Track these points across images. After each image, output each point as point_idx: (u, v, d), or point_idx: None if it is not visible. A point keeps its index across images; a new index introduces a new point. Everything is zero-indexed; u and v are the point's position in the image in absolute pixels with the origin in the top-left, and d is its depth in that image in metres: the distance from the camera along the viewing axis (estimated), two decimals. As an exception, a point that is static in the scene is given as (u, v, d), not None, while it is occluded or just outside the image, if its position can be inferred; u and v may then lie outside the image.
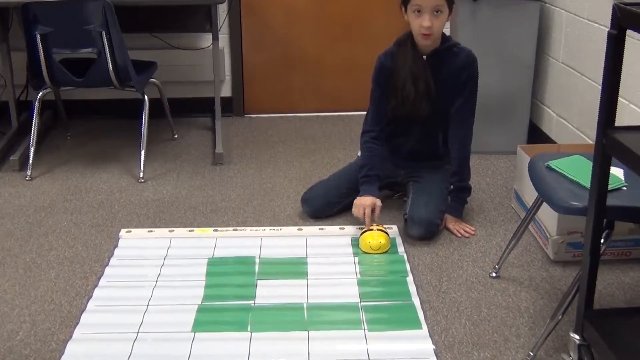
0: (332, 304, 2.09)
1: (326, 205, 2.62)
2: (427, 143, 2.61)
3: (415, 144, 2.61)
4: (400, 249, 2.42)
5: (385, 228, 2.40)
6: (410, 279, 2.23)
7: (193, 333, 1.95)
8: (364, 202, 2.44)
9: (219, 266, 2.30)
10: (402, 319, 2.02)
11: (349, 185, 2.63)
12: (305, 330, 1.96)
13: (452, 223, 2.54)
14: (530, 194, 2.45)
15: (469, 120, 2.52)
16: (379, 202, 2.44)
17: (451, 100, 2.49)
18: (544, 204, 2.02)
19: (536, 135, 3.27)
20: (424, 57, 2.43)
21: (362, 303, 2.09)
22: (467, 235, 2.50)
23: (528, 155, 2.50)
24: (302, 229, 2.54)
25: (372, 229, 2.37)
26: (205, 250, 2.40)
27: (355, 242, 2.43)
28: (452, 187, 2.57)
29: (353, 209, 2.46)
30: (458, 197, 2.57)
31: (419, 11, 2.33)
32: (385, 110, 2.50)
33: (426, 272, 2.29)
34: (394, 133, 2.59)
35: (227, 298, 2.12)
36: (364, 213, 2.42)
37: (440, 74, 2.45)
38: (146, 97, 3.08)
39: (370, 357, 1.84)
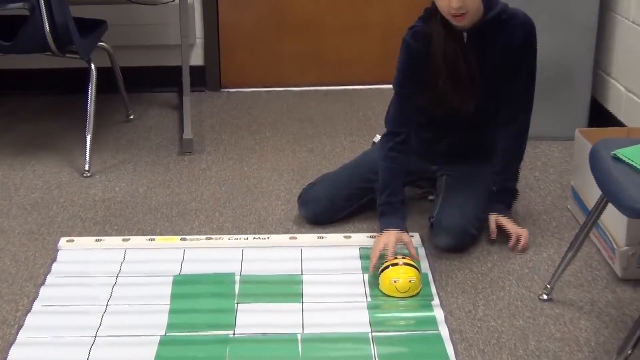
0: (334, 334, 2.08)
1: (331, 209, 2.63)
2: (473, 138, 2.56)
3: (457, 139, 2.57)
4: (424, 263, 2.41)
5: (414, 261, 2.28)
6: (436, 302, 2.23)
7: None
8: (385, 239, 2.29)
9: (187, 285, 2.30)
10: (425, 354, 2.02)
11: (362, 184, 2.62)
12: None
13: (509, 223, 2.50)
14: (591, 193, 2.45)
15: (526, 106, 2.46)
16: (406, 237, 2.31)
17: (504, 85, 2.43)
18: (610, 205, 2.01)
19: (599, 115, 3.27)
20: (465, 34, 2.34)
21: (374, 333, 2.09)
22: (519, 249, 2.47)
23: (589, 142, 2.49)
24: (295, 238, 2.55)
25: (396, 263, 2.24)
26: (169, 264, 2.40)
27: (365, 259, 2.42)
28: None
29: (373, 251, 2.31)
30: (500, 199, 2.55)
31: None
32: (416, 106, 2.42)
33: (457, 293, 2.29)
34: (426, 127, 2.53)
35: (198, 327, 2.11)
36: (381, 249, 2.28)
37: (488, 55, 2.37)
38: (93, 65, 3.08)
39: (384, 404, 1.85)
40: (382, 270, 2.25)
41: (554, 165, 3.08)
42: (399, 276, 2.21)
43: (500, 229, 2.52)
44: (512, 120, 2.48)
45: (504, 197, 2.56)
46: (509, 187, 2.56)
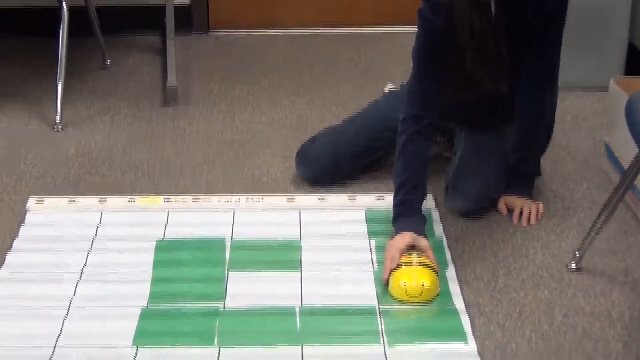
0: (337, 307, 2.09)
1: (333, 166, 2.63)
2: (500, 105, 2.47)
3: (481, 108, 2.49)
4: (438, 228, 2.42)
5: (432, 262, 2.17)
6: (451, 272, 2.24)
7: (135, 348, 1.95)
8: (396, 242, 2.18)
9: (172, 252, 2.31)
10: (438, 329, 2.03)
11: (369, 143, 2.62)
12: (298, 344, 1.96)
13: (518, 200, 2.47)
14: (627, 149, 2.44)
15: (553, 71, 2.39)
16: (423, 241, 2.19)
17: (528, 54, 2.33)
18: (649, 163, 2.00)
19: (637, 63, 3.25)
20: (492, 3, 2.23)
21: (382, 306, 2.10)
22: (524, 223, 2.44)
23: (625, 93, 2.48)
24: (293, 199, 2.56)
25: (410, 262, 2.14)
26: (152, 228, 2.41)
27: (372, 222, 2.42)
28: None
29: (385, 258, 2.19)
30: (517, 181, 2.51)
31: None
32: (441, 87, 2.30)
33: (475, 262, 2.29)
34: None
35: (184, 298, 2.12)
36: (393, 254, 2.16)
37: (518, 24, 2.28)
38: (65, 5, 3.06)
39: (392, 384, 1.86)
40: (392, 271, 2.14)
41: (585, 118, 3.07)
42: (410, 278, 2.11)
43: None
44: (534, 96, 2.42)
45: (522, 179, 2.51)
46: (527, 171, 2.51)
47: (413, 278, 2.10)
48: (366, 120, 2.66)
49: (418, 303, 2.10)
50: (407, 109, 2.32)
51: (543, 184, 2.63)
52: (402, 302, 2.11)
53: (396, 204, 2.28)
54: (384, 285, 2.16)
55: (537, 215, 2.46)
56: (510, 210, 2.48)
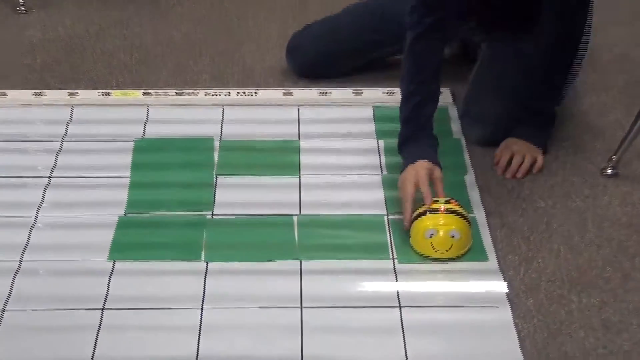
0: (340, 217, 2.09)
1: (326, 62, 2.60)
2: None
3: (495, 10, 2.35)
4: (456, 126, 2.40)
5: (461, 207, 1.99)
6: (470, 177, 2.22)
7: (111, 262, 1.95)
8: (412, 176, 2.01)
9: (152, 153, 2.30)
10: (456, 244, 2.02)
11: (368, 35, 2.55)
12: (296, 259, 1.97)
13: (522, 147, 2.25)
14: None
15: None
16: (438, 172, 2.04)
17: None
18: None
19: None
20: None
21: (391, 216, 2.08)
22: (519, 176, 2.23)
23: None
24: (291, 94, 2.53)
25: (436, 208, 1.97)
26: (129, 126, 2.40)
27: (381, 121, 2.39)
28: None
29: (399, 189, 2.04)
30: (528, 121, 2.31)
31: None
32: None
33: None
34: None
35: (167, 206, 2.12)
36: (413, 191, 2.00)
37: None
38: None
39: (402, 305, 1.84)
40: (415, 217, 1.99)
41: (624, 1, 3.04)
42: (438, 227, 1.95)
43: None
44: (561, 16, 2.21)
45: (534, 117, 2.32)
46: (542, 110, 2.33)
47: (440, 228, 1.94)
48: (367, 10, 2.59)
49: (445, 259, 1.96)
50: (412, 10, 2.13)
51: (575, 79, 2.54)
52: (425, 257, 1.97)
53: (403, 121, 2.13)
54: (393, 190, 2.10)
55: (528, 170, 2.24)
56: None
